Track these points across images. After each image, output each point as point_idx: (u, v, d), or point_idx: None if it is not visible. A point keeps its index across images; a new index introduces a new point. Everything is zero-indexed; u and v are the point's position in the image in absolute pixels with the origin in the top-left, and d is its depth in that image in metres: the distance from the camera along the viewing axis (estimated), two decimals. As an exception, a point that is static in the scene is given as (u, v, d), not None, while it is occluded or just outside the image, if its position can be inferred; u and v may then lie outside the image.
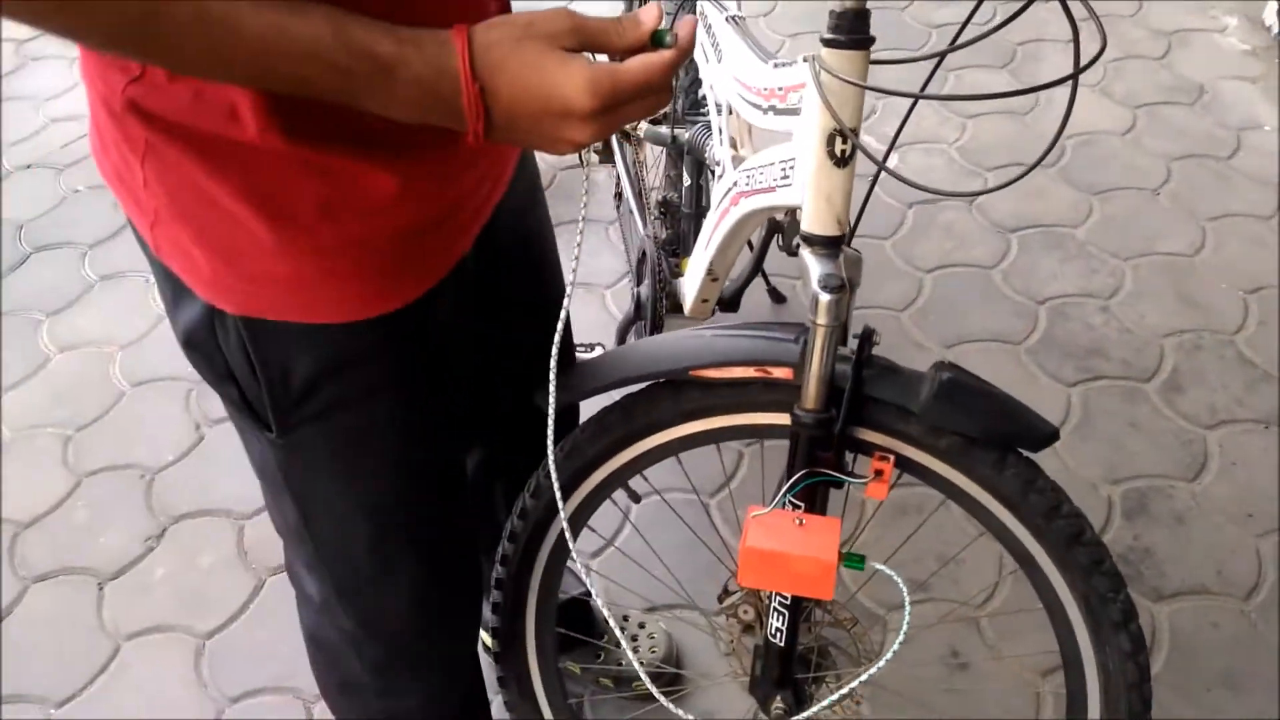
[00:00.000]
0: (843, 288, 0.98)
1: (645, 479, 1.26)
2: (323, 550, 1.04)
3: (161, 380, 2.19)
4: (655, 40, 0.71)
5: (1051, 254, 2.38)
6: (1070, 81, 0.82)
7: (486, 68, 0.66)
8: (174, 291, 0.86)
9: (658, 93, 0.70)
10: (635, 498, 1.30)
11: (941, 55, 1.09)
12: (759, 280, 2.14)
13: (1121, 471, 1.90)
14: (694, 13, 1.55)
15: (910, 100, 1.05)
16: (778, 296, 2.30)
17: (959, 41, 1.00)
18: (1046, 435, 1.03)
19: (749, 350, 1.08)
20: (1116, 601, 1.06)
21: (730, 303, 1.83)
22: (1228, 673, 1.60)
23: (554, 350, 0.94)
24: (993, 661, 1.64)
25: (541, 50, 0.67)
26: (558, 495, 1.06)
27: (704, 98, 1.76)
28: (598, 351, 1.74)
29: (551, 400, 0.94)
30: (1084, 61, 0.81)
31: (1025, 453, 1.05)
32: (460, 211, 0.91)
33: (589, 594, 1.51)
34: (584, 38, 0.69)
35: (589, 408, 1.19)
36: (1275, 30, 2.96)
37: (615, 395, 1.16)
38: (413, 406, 0.97)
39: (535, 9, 0.71)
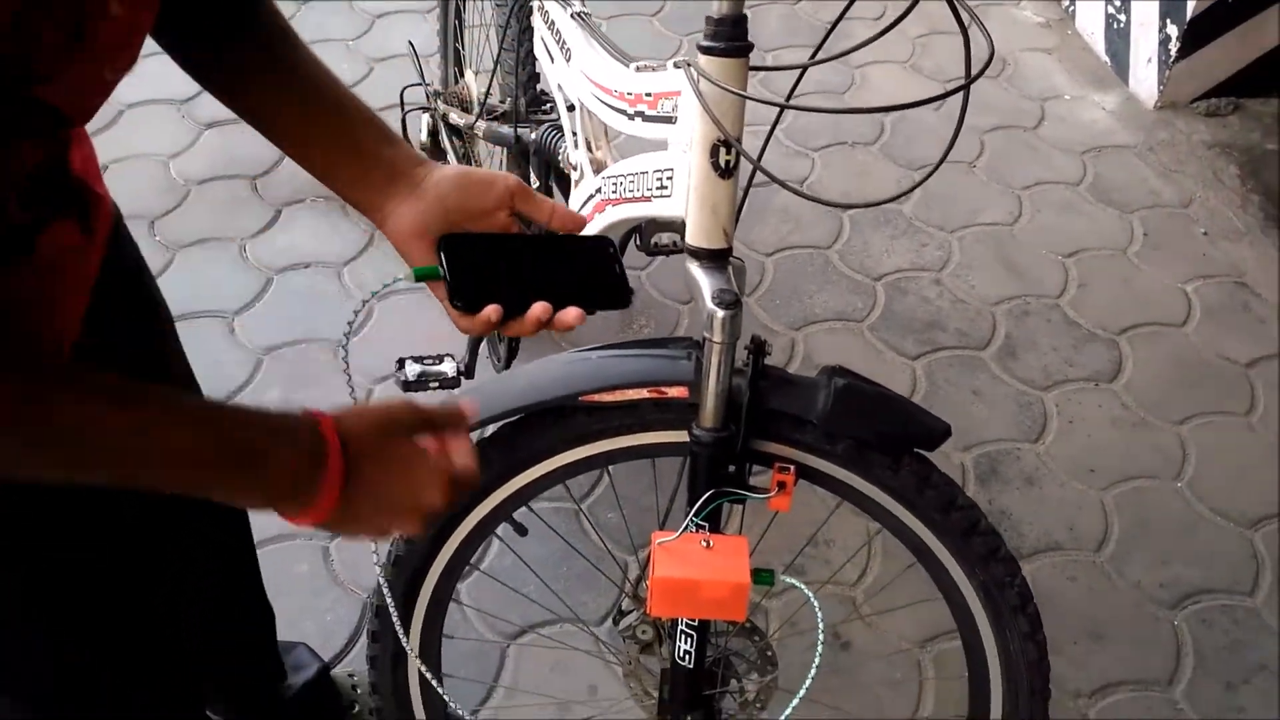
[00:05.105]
0: (737, 302, 0.95)
1: (529, 507, 1.21)
2: None
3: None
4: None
5: (882, 231, 2.45)
6: (962, 91, 0.81)
7: (355, 466, 0.69)
8: None
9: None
10: (522, 531, 1.23)
11: (805, 67, 1.07)
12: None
13: (970, 438, 1.97)
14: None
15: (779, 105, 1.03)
16: (624, 290, 2.27)
17: (820, 51, 0.98)
18: (940, 433, 1.04)
19: (642, 371, 1.04)
20: (1013, 586, 1.08)
21: (587, 306, 1.79)
22: (1090, 624, 1.69)
23: None
24: (872, 637, 1.67)
25: (413, 440, 0.74)
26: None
27: (544, 94, 1.71)
28: (448, 364, 1.66)
29: None
30: (974, 71, 0.80)
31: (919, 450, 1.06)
32: None
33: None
34: (424, 421, 0.75)
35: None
36: (1066, 3, 3.14)
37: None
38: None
39: None
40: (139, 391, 0.63)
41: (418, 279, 0.79)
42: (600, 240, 0.84)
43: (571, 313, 0.77)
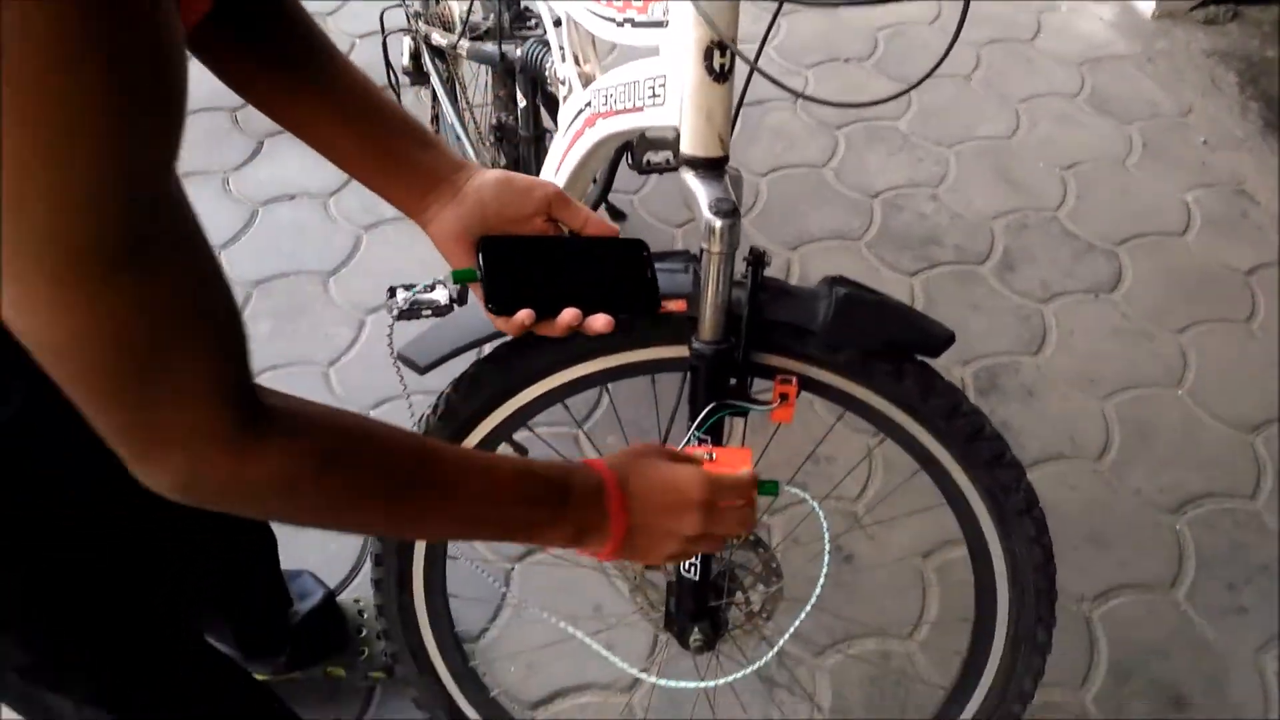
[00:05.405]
0: (735, 211, 0.93)
1: (528, 427, 1.20)
2: None
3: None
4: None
5: (877, 148, 2.41)
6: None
7: (623, 479, 0.79)
8: None
9: (747, 502, 0.85)
10: (522, 451, 1.23)
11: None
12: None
13: (970, 352, 1.96)
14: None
15: (775, 6, 0.99)
16: (616, 214, 2.24)
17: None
18: (943, 339, 1.03)
19: (639, 284, 1.01)
20: (1019, 490, 1.08)
21: (580, 228, 1.76)
22: (1090, 530, 1.70)
23: None
24: (875, 549, 1.68)
25: (659, 458, 0.82)
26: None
27: (528, 9, 1.66)
28: (440, 292, 1.64)
29: None
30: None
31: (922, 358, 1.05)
32: None
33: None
34: (669, 451, 0.85)
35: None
36: (1057, -91, 3.06)
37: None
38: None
39: None
40: (474, 452, 0.77)
41: (456, 281, 0.85)
42: (634, 244, 0.88)
43: (600, 319, 0.81)
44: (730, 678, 0.97)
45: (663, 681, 0.98)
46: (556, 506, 0.76)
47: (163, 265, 0.52)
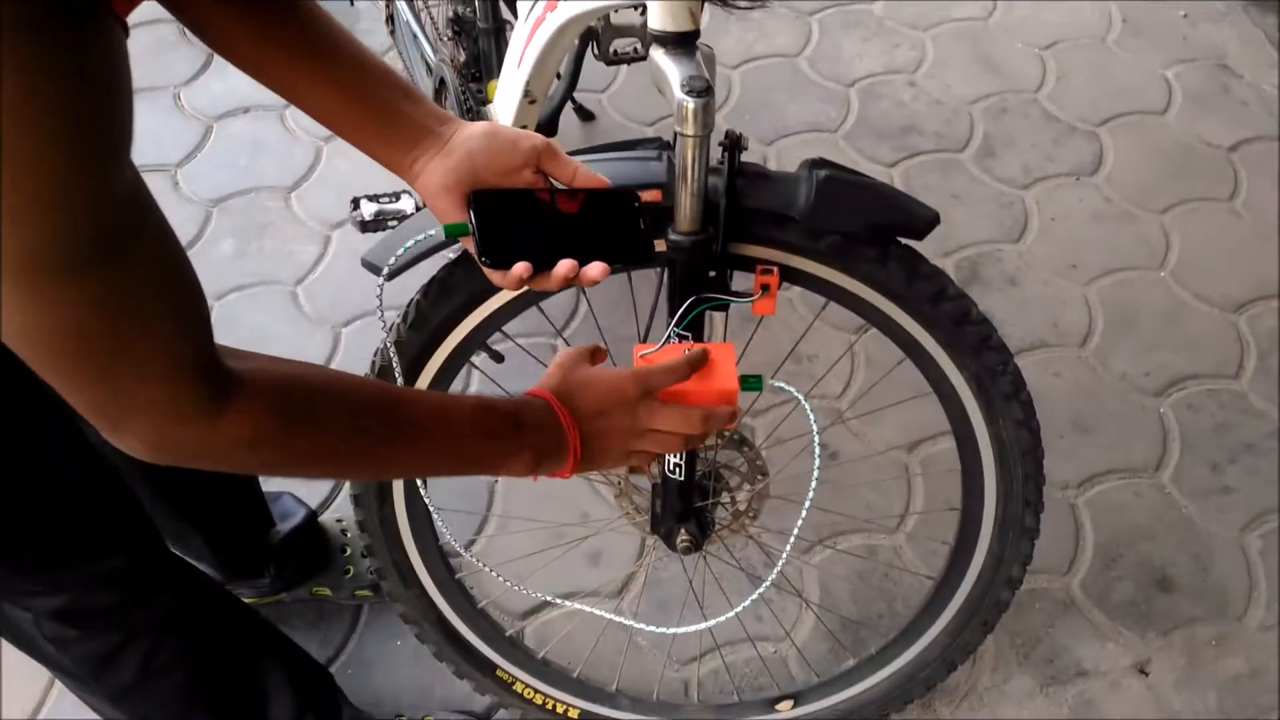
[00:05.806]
0: (709, 90, 0.88)
1: (504, 333, 1.16)
2: None
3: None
4: None
5: (852, 33, 2.33)
6: None
7: (563, 395, 0.82)
8: None
9: (677, 372, 0.85)
10: (498, 358, 1.19)
11: None
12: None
13: (951, 243, 1.93)
14: None
15: None
16: (585, 114, 2.17)
17: None
18: (928, 221, 0.98)
19: (610, 176, 0.95)
20: (1006, 374, 1.06)
21: (547, 126, 1.69)
22: (1075, 417, 1.69)
23: None
24: (859, 446, 1.67)
25: (586, 363, 0.85)
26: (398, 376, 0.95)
27: (481, -103, 1.57)
28: (406, 201, 1.58)
29: None
30: None
31: (906, 241, 1.01)
32: None
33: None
34: (591, 351, 0.88)
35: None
36: None
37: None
38: None
39: None
40: (434, 393, 0.81)
41: (448, 236, 0.83)
42: (624, 194, 0.86)
43: (596, 268, 0.79)
44: (727, 615, 0.97)
45: (679, 629, 1.00)
46: (514, 437, 0.78)
47: (121, 264, 0.54)
